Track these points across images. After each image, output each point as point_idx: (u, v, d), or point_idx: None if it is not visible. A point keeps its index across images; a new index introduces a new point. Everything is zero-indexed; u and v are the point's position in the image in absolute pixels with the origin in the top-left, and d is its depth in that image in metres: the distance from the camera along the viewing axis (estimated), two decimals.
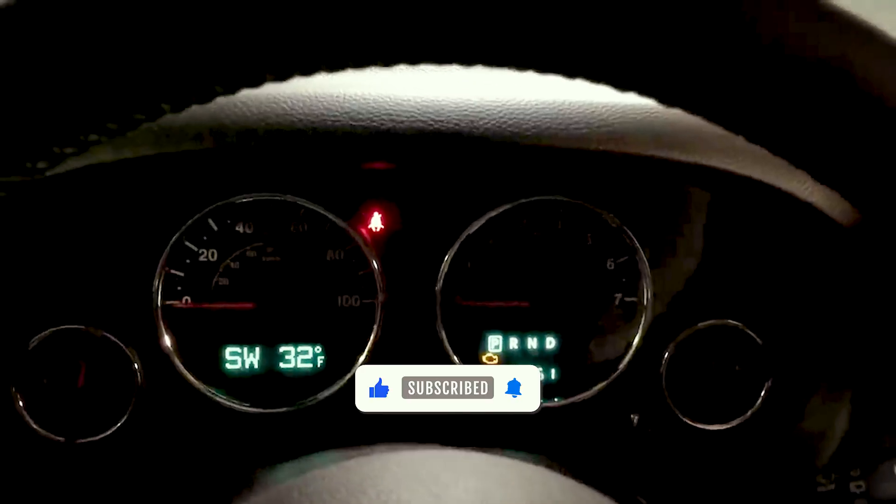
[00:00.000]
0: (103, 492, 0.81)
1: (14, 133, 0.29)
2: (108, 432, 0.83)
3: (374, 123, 0.66)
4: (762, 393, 0.88)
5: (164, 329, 0.84)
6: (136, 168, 0.73)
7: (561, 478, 0.42)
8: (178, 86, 0.29)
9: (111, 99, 0.29)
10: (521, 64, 0.30)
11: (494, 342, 0.90)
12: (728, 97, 0.29)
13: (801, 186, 0.76)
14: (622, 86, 0.30)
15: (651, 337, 0.89)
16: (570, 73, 0.30)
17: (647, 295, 0.88)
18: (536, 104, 0.69)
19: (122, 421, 0.83)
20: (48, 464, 0.81)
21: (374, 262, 0.86)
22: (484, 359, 0.90)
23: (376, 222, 0.87)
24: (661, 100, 0.31)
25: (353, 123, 0.65)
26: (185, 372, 0.85)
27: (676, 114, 0.68)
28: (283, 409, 0.86)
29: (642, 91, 0.30)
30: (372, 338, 0.86)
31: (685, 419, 0.88)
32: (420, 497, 0.39)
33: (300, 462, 0.57)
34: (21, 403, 0.82)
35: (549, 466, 0.43)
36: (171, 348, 0.84)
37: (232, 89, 0.30)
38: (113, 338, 0.83)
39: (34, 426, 0.82)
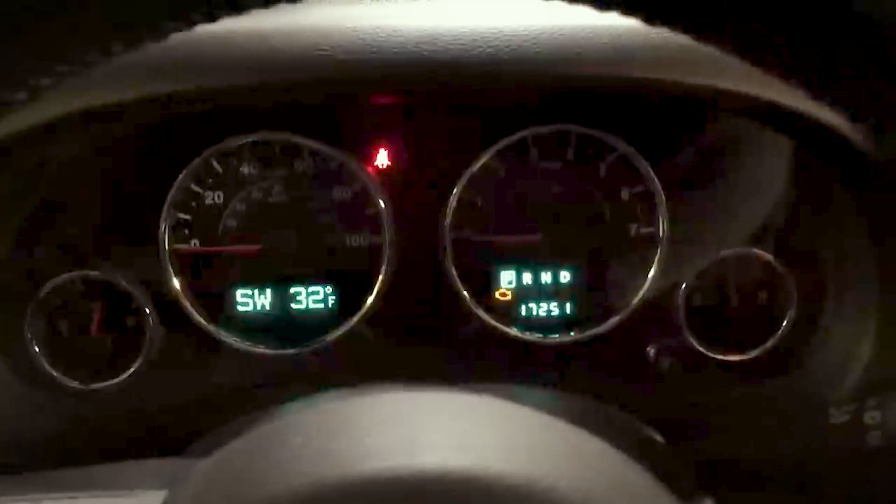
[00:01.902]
0: (117, 436, 0.82)
1: None
2: (123, 377, 0.83)
3: (371, 55, 0.63)
4: (784, 323, 0.86)
5: (172, 273, 0.84)
6: (138, 109, 0.71)
7: (542, 416, 0.40)
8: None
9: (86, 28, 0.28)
10: None
11: (507, 278, 0.88)
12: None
13: (826, 112, 0.72)
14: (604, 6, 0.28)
15: (668, 268, 0.86)
16: None
17: (663, 225, 0.86)
18: (539, 29, 0.66)
19: (136, 365, 0.83)
20: (64, 409, 0.82)
21: (382, 199, 0.84)
22: (497, 295, 0.88)
23: (383, 159, 0.85)
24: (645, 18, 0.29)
25: (350, 55, 0.63)
26: (196, 315, 0.85)
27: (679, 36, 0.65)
28: (295, 350, 0.86)
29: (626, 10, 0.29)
30: (381, 277, 0.85)
31: (703, 350, 0.86)
32: (394, 439, 0.38)
33: (282, 407, 0.57)
34: (36, 349, 0.82)
35: (539, 403, 0.41)
36: (180, 291, 0.84)
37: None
38: (124, 283, 0.83)
39: (50, 371, 0.82)
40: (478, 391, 0.44)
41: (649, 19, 0.30)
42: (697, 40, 0.30)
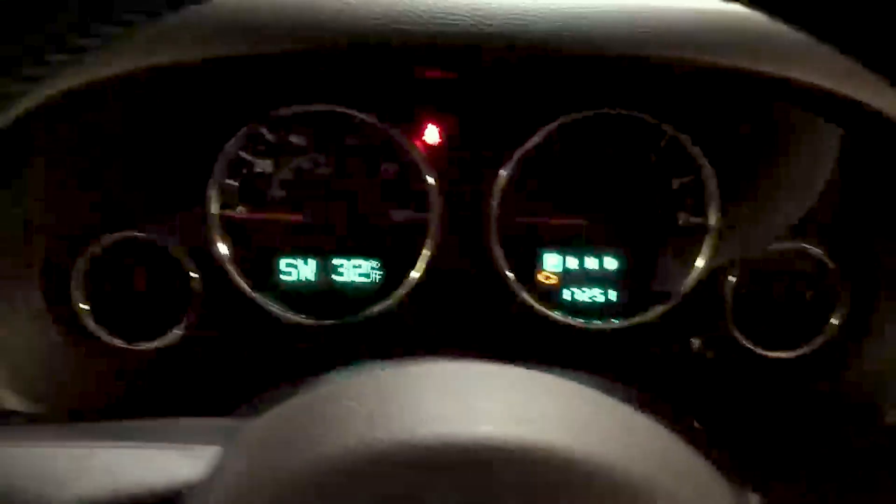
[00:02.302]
0: (160, 397, 0.82)
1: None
2: (166, 338, 0.84)
3: (424, 28, 0.62)
4: (832, 321, 0.84)
5: (218, 238, 0.84)
6: (190, 74, 0.71)
7: (593, 393, 0.40)
8: None
9: None
10: None
11: (553, 261, 0.87)
12: None
13: (890, 105, 0.70)
14: None
15: (716, 259, 0.85)
16: None
17: (713, 216, 0.84)
18: (594, 6, 0.64)
19: (179, 328, 0.84)
20: (107, 367, 0.83)
21: (429, 175, 0.84)
22: (541, 277, 0.88)
23: (432, 135, 0.84)
24: None
25: (403, 27, 0.62)
26: (240, 281, 0.85)
27: (749, 19, 0.63)
28: (337, 322, 0.86)
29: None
30: (425, 252, 0.85)
31: (748, 345, 0.85)
32: (447, 407, 0.38)
33: (334, 373, 0.57)
34: (83, 307, 0.83)
35: (590, 383, 0.41)
36: (225, 257, 0.85)
37: None
38: (171, 245, 0.84)
39: (96, 329, 0.83)
40: (500, 368, 0.43)
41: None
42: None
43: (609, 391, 0.42)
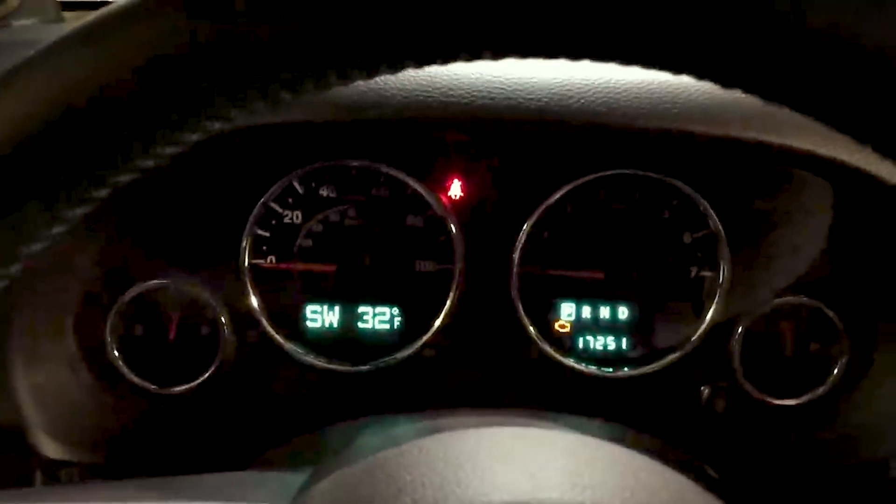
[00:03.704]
0: (190, 441, 0.85)
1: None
2: (196, 382, 0.87)
3: (466, 100, 0.67)
4: (836, 371, 0.88)
5: (250, 287, 0.88)
6: (230, 137, 0.75)
7: (653, 463, 0.43)
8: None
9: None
10: (627, 59, 0.31)
11: (567, 310, 0.91)
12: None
13: (889, 170, 0.75)
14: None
15: (725, 312, 0.89)
16: (677, 69, 0.31)
17: (724, 271, 0.88)
18: (625, 83, 0.69)
19: (210, 372, 0.87)
20: (139, 412, 0.86)
21: (454, 228, 0.88)
22: (556, 326, 0.91)
23: (456, 190, 0.88)
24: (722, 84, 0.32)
25: (445, 100, 0.66)
26: (269, 328, 0.88)
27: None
28: (361, 368, 0.89)
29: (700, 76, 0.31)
30: (448, 302, 0.89)
31: (756, 393, 0.89)
32: (516, 475, 0.41)
33: (391, 428, 0.60)
34: (116, 353, 0.86)
35: (643, 446, 0.44)
36: (257, 306, 0.88)
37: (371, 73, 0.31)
38: (202, 293, 0.87)
39: (128, 374, 0.86)
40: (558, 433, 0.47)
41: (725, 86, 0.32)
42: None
43: (660, 455, 0.45)
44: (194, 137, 0.33)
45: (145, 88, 0.31)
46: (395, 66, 0.31)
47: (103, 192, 0.34)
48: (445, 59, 0.31)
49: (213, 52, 0.30)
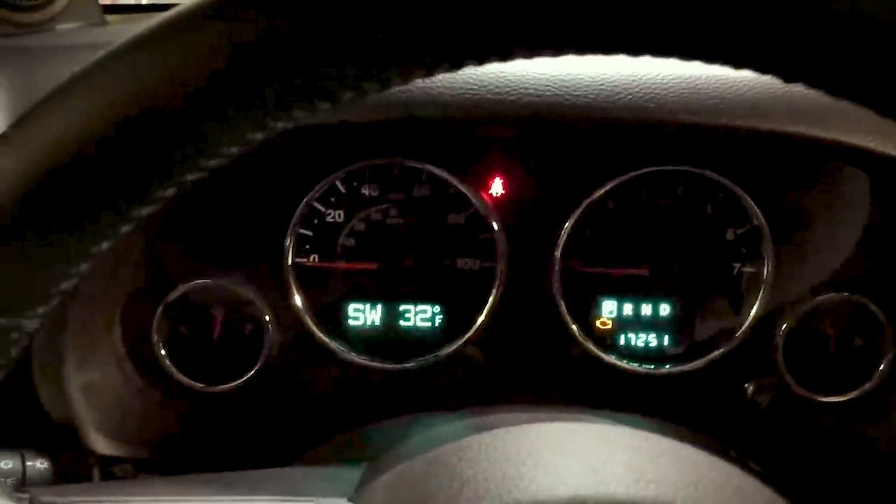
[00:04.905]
0: (234, 438, 0.86)
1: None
2: (241, 380, 0.88)
3: (514, 97, 0.67)
4: (882, 366, 0.87)
5: (293, 285, 0.88)
6: (273, 138, 0.76)
7: (714, 458, 0.43)
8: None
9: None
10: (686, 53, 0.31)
11: (609, 307, 0.91)
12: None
13: None
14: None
15: (770, 307, 0.88)
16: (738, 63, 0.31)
17: (767, 266, 0.88)
18: (672, 78, 0.69)
19: (254, 370, 0.88)
20: (186, 410, 0.87)
21: (496, 226, 0.88)
22: (598, 324, 0.91)
23: (498, 187, 0.88)
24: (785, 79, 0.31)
25: (493, 98, 0.67)
26: (312, 326, 0.89)
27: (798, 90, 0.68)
28: (403, 366, 0.90)
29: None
30: (490, 300, 0.89)
31: (800, 390, 0.88)
32: (578, 470, 0.41)
33: (445, 424, 0.60)
34: (163, 351, 0.87)
35: (700, 441, 0.44)
36: (300, 304, 0.89)
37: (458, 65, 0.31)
38: (247, 291, 0.88)
39: (174, 372, 0.87)
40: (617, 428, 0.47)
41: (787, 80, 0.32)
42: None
43: (714, 449, 0.45)
44: (258, 137, 0.34)
45: (219, 88, 0.31)
46: (456, 65, 0.31)
47: (170, 191, 0.35)
48: (504, 57, 0.31)
49: (285, 50, 0.30)
